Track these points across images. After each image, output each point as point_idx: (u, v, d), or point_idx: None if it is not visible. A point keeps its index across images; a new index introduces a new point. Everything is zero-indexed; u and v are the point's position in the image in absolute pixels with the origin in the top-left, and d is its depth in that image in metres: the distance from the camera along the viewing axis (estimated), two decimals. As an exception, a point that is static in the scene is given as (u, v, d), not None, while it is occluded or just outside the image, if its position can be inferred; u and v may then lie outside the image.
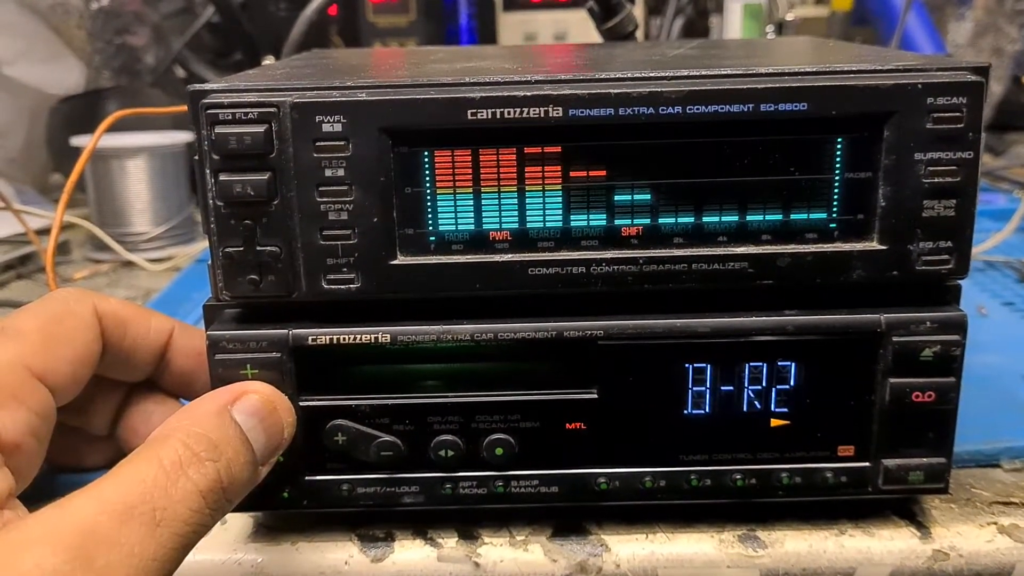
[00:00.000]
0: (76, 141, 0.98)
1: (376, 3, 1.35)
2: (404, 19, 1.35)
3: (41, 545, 0.31)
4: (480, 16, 1.41)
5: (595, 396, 0.45)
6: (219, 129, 0.41)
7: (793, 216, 0.43)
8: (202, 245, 0.96)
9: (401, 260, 0.43)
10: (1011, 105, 1.35)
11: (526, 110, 0.41)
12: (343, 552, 0.46)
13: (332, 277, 0.43)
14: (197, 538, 0.35)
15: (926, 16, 1.26)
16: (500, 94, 0.41)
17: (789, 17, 1.11)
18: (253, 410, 0.40)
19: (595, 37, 0.86)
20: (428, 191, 0.43)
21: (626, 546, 0.46)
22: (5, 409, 0.38)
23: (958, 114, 0.41)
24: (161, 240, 0.97)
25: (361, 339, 0.44)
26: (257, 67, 0.58)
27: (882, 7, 1.27)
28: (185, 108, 0.42)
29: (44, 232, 0.99)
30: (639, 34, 0.89)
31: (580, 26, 1.28)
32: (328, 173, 0.41)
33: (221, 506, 0.36)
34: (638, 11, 1.30)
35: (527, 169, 0.43)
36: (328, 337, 0.44)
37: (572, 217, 0.43)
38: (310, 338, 0.43)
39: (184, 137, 0.98)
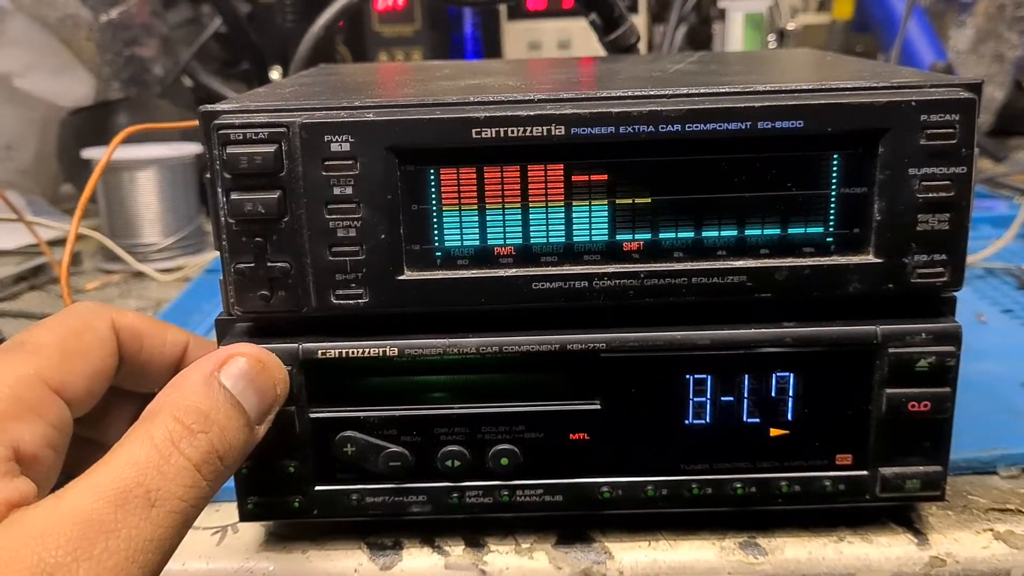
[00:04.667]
0: (87, 154, 1.00)
1: (381, 12, 1.36)
2: (409, 28, 1.36)
3: (42, 539, 0.31)
4: (484, 25, 1.42)
5: (598, 407, 0.46)
6: (231, 149, 0.42)
7: (790, 230, 0.44)
8: (212, 255, 0.97)
9: (408, 275, 0.44)
10: (1013, 110, 1.36)
11: (529, 129, 0.42)
12: (352, 560, 0.47)
13: (341, 292, 0.44)
14: (197, 511, 0.36)
15: (927, 23, 1.26)
16: (504, 113, 0.42)
17: (790, 26, 1.12)
18: (241, 373, 0.40)
19: (598, 45, 0.87)
20: (434, 208, 0.44)
21: (629, 554, 0.47)
22: (24, 422, 0.39)
23: (951, 130, 0.42)
24: (171, 251, 0.98)
25: (369, 352, 0.45)
26: (266, 84, 0.59)
27: (883, 14, 1.28)
28: (196, 123, 0.43)
29: (55, 243, 1.00)
30: (642, 41, 0.90)
31: (583, 35, 1.29)
32: (337, 191, 0.43)
33: (218, 474, 0.37)
34: (641, 19, 1.32)
35: (530, 186, 0.44)
36: (337, 351, 0.45)
37: (575, 232, 0.44)
38: (320, 352, 0.45)
39: (193, 149, 1.00)
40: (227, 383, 0.39)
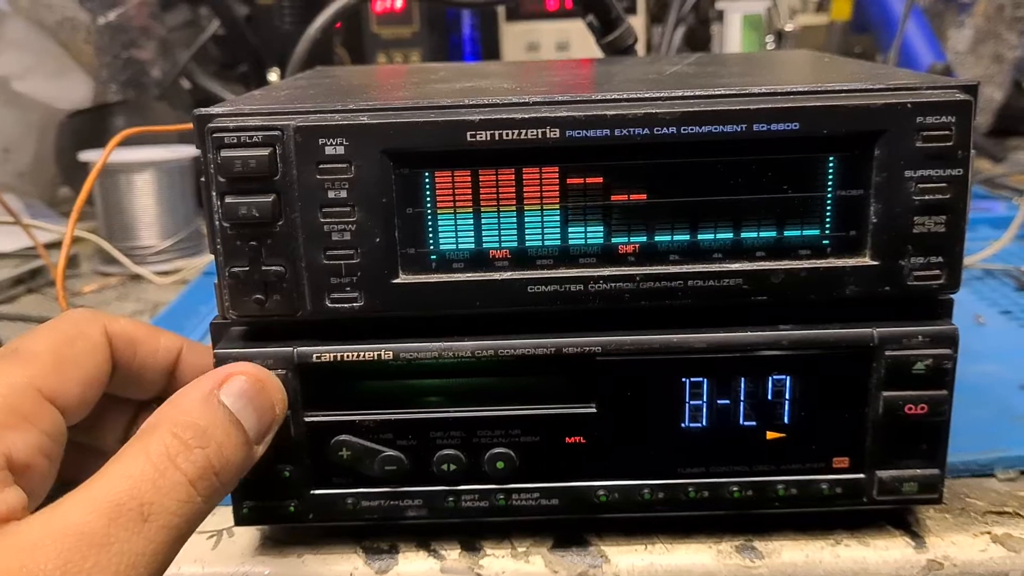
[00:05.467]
0: (85, 156, 1.00)
1: (380, 14, 1.36)
2: (408, 30, 1.36)
3: (33, 550, 0.31)
4: (483, 27, 1.42)
5: (594, 410, 0.46)
6: (225, 152, 0.42)
7: (787, 233, 0.44)
8: (209, 258, 0.97)
9: (403, 279, 0.44)
10: (1012, 110, 1.36)
11: (524, 132, 0.42)
12: (348, 564, 0.47)
13: (336, 296, 0.44)
14: (191, 527, 0.35)
15: (926, 24, 1.26)
16: (498, 116, 0.42)
17: (788, 27, 1.12)
18: (240, 391, 0.40)
19: (596, 47, 0.87)
20: (429, 211, 0.44)
21: (625, 557, 0.47)
22: (17, 431, 0.38)
23: (947, 132, 0.42)
24: (168, 253, 0.98)
25: (364, 356, 0.45)
26: (262, 87, 0.59)
27: (882, 15, 1.28)
28: (192, 126, 0.43)
29: (53, 246, 1.00)
30: (641, 42, 0.90)
31: (582, 36, 1.29)
32: (331, 195, 0.42)
33: (215, 491, 0.37)
34: (640, 20, 1.31)
35: (526, 189, 0.43)
36: (332, 354, 0.44)
37: (570, 235, 0.44)
38: (315, 355, 0.44)
39: (190, 151, 0.99)
40: (227, 401, 0.39)
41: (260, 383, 0.41)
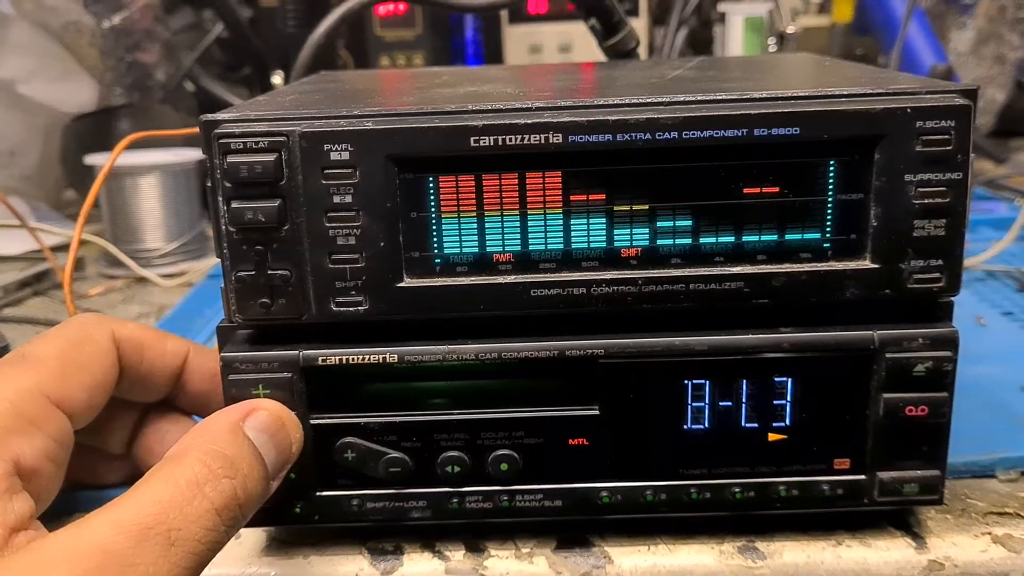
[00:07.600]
0: (90, 160, 1.00)
1: (383, 17, 1.36)
2: (411, 33, 1.36)
3: (58, 566, 0.32)
4: (486, 29, 1.42)
5: (597, 412, 0.46)
6: (231, 158, 0.42)
7: (787, 236, 0.44)
8: (214, 260, 0.97)
9: (407, 282, 0.44)
10: (1014, 112, 1.36)
11: (527, 137, 0.42)
12: (354, 565, 0.48)
13: (341, 299, 0.44)
14: (212, 555, 0.36)
15: (927, 25, 1.26)
16: (502, 122, 0.42)
17: (790, 29, 1.12)
18: (263, 426, 0.41)
19: (599, 50, 0.87)
20: (433, 216, 0.44)
21: (628, 558, 0.47)
22: (24, 436, 0.39)
23: (947, 136, 0.42)
24: (174, 256, 0.99)
25: (369, 359, 0.45)
26: (268, 90, 0.59)
27: (883, 17, 1.28)
28: (197, 130, 0.44)
29: (59, 249, 1.01)
30: (643, 44, 0.90)
31: (584, 38, 1.28)
32: (336, 199, 0.43)
33: (236, 521, 0.38)
34: (642, 22, 1.32)
35: (529, 193, 0.44)
36: (337, 357, 0.45)
37: (573, 239, 0.44)
38: (320, 359, 0.45)
39: (195, 155, 1.00)
40: (251, 434, 0.40)
41: (280, 420, 0.42)
